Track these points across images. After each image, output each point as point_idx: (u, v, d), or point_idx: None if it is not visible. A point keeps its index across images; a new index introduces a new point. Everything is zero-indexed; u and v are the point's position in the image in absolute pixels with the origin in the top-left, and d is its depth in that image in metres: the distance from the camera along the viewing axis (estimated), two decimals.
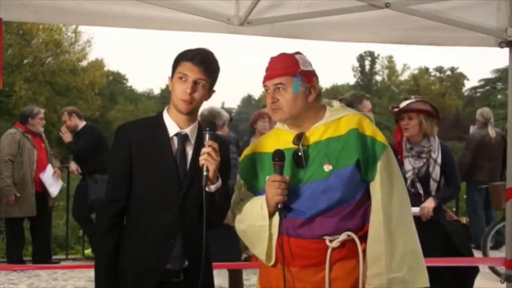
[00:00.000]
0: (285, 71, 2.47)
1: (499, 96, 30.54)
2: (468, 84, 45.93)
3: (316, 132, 2.49)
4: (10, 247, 6.95)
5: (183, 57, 2.46)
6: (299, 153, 2.46)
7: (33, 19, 3.75)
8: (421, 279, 2.47)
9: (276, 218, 2.45)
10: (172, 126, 2.49)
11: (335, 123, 2.49)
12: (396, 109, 4.41)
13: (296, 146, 2.47)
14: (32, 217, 6.88)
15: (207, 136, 2.39)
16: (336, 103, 2.62)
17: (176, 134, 2.49)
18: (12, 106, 23.54)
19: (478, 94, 38.48)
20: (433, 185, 4.27)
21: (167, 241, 2.44)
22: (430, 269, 4.33)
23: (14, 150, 6.72)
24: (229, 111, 6.95)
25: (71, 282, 6.45)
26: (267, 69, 2.53)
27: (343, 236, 2.40)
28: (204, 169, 2.35)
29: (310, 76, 2.51)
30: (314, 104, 2.52)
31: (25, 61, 25.84)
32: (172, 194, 2.45)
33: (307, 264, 2.43)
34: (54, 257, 7.42)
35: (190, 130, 2.50)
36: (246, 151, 2.66)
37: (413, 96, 4.60)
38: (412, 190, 4.26)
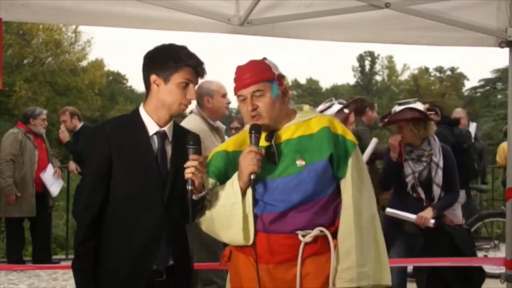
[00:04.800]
0: (261, 77, 2.50)
1: (499, 96, 30.55)
2: (468, 84, 45.93)
3: (288, 131, 2.56)
4: (10, 247, 6.95)
5: (184, 62, 2.43)
6: (272, 149, 2.50)
7: (33, 19, 3.75)
8: (385, 277, 2.54)
9: (250, 197, 2.44)
10: (151, 125, 2.47)
11: (305, 123, 2.57)
12: (386, 120, 4.32)
13: (268, 143, 2.52)
14: (32, 217, 6.88)
15: (190, 151, 2.39)
16: (306, 107, 2.68)
17: (156, 133, 2.47)
18: (12, 106, 23.50)
19: (478, 94, 38.44)
20: (436, 190, 4.16)
21: (154, 242, 2.42)
22: (438, 276, 4.29)
23: (15, 150, 6.72)
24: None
25: (71, 282, 6.42)
26: (238, 79, 2.53)
27: (315, 231, 2.45)
28: (189, 183, 2.35)
29: (282, 79, 2.57)
30: (286, 106, 2.59)
31: (25, 61, 25.75)
32: (156, 194, 2.42)
33: (280, 260, 2.46)
34: (54, 257, 7.44)
35: (168, 128, 2.50)
36: (217, 149, 2.67)
37: (402, 102, 4.38)
38: (414, 195, 4.18)
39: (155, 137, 2.47)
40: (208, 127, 4.10)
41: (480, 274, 4.26)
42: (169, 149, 2.49)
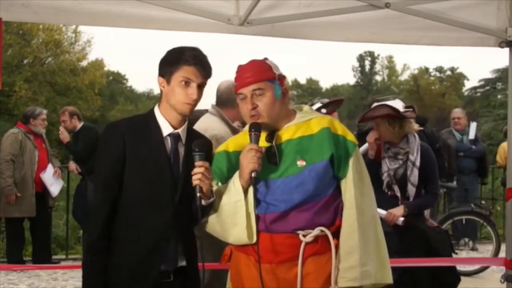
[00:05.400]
0: (262, 76, 2.51)
1: (499, 96, 30.56)
2: (468, 84, 45.97)
3: (288, 131, 2.56)
4: (10, 247, 6.96)
5: (183, 61, 2.42)
6: (272, 150, 2.50)
7: (33, 19, 3.76)
8: (387, 276, 2.56)
9: (251, 196, 2.44)
10: (166, 126, 2.47)
11: (305, 123, 2.57)
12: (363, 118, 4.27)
13: (268, 144, 2.52)
14: (32, 217, 6.89)
15: (196, 157, 2.38)
16: (305, 107, 2.69)
17: (169, 134, 2.48)
18: (12, 106, 23.53)
19: (478, 94, 38.44)
20: (411, 190, 4.06)
21: (163, 243, 2.42)
22: (409, 276, 4.18)
23: (15, 150, 6.73)
24: None
25: (71, 282, 6.45)
26: (240, 77, 2.54)
27: (316, 231, 2.46)
28: (197, 189, 2.34)
29: (283, 80, 2.58)
30: (286, 107, 2.59)
31: (25, 61, 25.78)
32: (167, 195, 2.43)
33: (280, 260, 2.47)
34: (54, 257, 7.43)
35: (182, 130, 2.50)
36: (218, 149, 2.66)
37: (380, 98, 4.34)
38: (389, 193, 4.10)
39: (168, 138, 2.48)
40: (229, 128, 3.99)
41: (454, 276, 4.18)
42: (182, 151, 2.49)
